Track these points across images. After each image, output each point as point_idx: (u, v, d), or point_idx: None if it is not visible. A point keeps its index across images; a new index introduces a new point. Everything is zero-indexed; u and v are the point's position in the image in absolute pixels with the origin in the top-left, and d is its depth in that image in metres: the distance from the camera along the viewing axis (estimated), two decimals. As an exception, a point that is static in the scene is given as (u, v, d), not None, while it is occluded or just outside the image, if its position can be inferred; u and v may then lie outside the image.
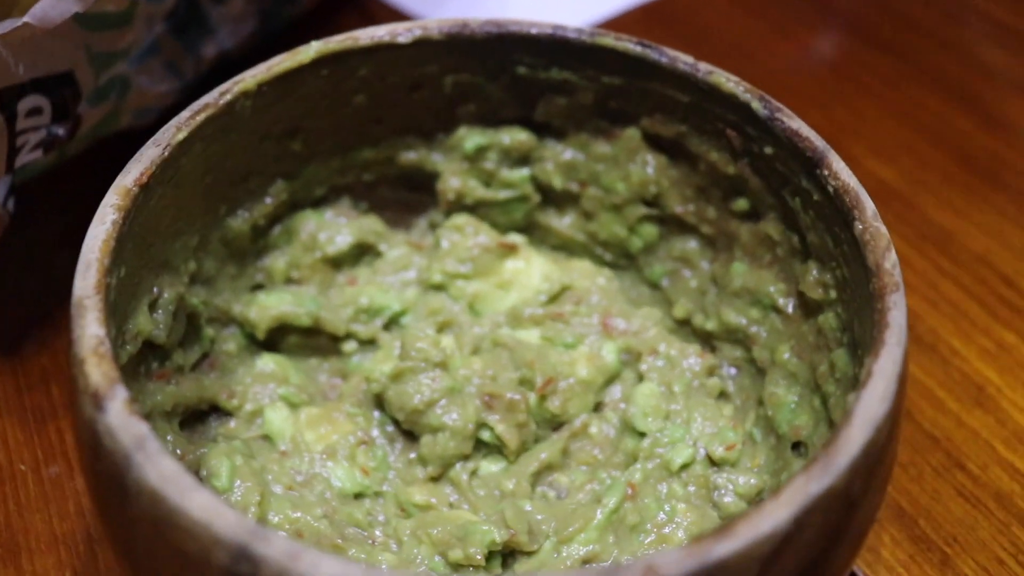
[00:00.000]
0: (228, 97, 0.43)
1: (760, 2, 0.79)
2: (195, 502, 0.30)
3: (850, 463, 0.31)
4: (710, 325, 0.49)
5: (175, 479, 0.31)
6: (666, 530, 0.41)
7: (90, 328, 0.34)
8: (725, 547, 0.29)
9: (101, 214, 0.37)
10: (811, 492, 0.30)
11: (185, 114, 0.42)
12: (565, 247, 0.53)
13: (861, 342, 0.40)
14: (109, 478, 0.33)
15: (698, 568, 0.29)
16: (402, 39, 0.46)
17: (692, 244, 0.51)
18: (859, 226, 0.39)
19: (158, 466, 0.31)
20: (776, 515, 0.30)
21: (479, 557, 0.41)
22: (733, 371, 0.49)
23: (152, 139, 0.40)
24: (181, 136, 0.41)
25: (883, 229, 0.39)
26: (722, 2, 0.79)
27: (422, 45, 0.47)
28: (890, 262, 0.37)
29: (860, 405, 0.33)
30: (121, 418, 0.32)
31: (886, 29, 0.77)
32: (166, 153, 0.40)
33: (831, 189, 0.41)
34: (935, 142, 0.68)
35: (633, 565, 0.28)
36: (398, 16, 0.75)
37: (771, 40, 0.76)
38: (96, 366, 0.33)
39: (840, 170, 0.41)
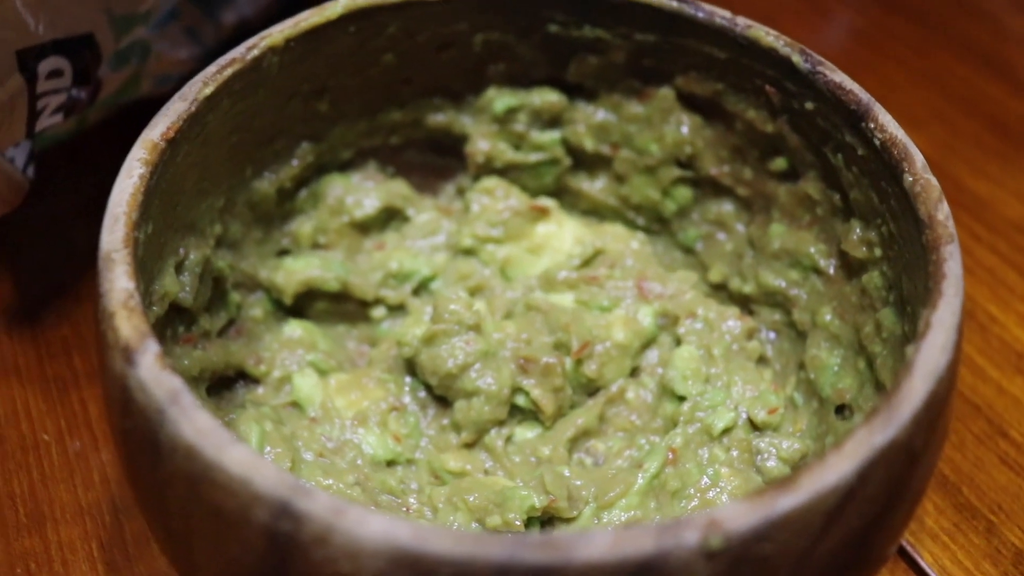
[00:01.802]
0: (255, 52, 0.41)
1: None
2: (233, 457, 0.29)
3: (913, 415, 0.30)
4: (747, 288, 0.48)
5: (211, 434, 0.29)
6: (710, 494, 0.40)
7: (119, 281, 0.33)
8: (790, 500, 0.28)
9: (128, 167, 0.36)
10: (875, 444, 0.29)
11: (212, 68, 0.40)
12: (596, 211, 0.52)
13: (911, 298, 0.38)
14: (140, 436, 0.31)
15: (762, 522, 0.27)
16: (432, -6, 0.45)
17: (727, 206, 0.49)
18: (909, 178, 0.38)
19: (193, 420, 0.30)
20: (840, 467, 0.29)
21: (518, 523, 0.40)
22: (772, 335, 0.47)
23: (178, 93, 0.39)
24: (208, 91, 0.39)
25: (934, 180, 0.37)
26: (746, -29, 0.77)
27: (452, 1, 0.45)
28: (943, 213, 0.36)
29: (921, 356, 0.32)
30: (153, 372, 0.31)
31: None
32: (193, 108, 0.39)
33: (877, 142, 0.39)
34: (966, 110, 0.66)
35: (695, 518, 0.27)
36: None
37: (797, 8, 0.75)
38: (126, 319, 0.32)
39: (887, 122, 0.39)
